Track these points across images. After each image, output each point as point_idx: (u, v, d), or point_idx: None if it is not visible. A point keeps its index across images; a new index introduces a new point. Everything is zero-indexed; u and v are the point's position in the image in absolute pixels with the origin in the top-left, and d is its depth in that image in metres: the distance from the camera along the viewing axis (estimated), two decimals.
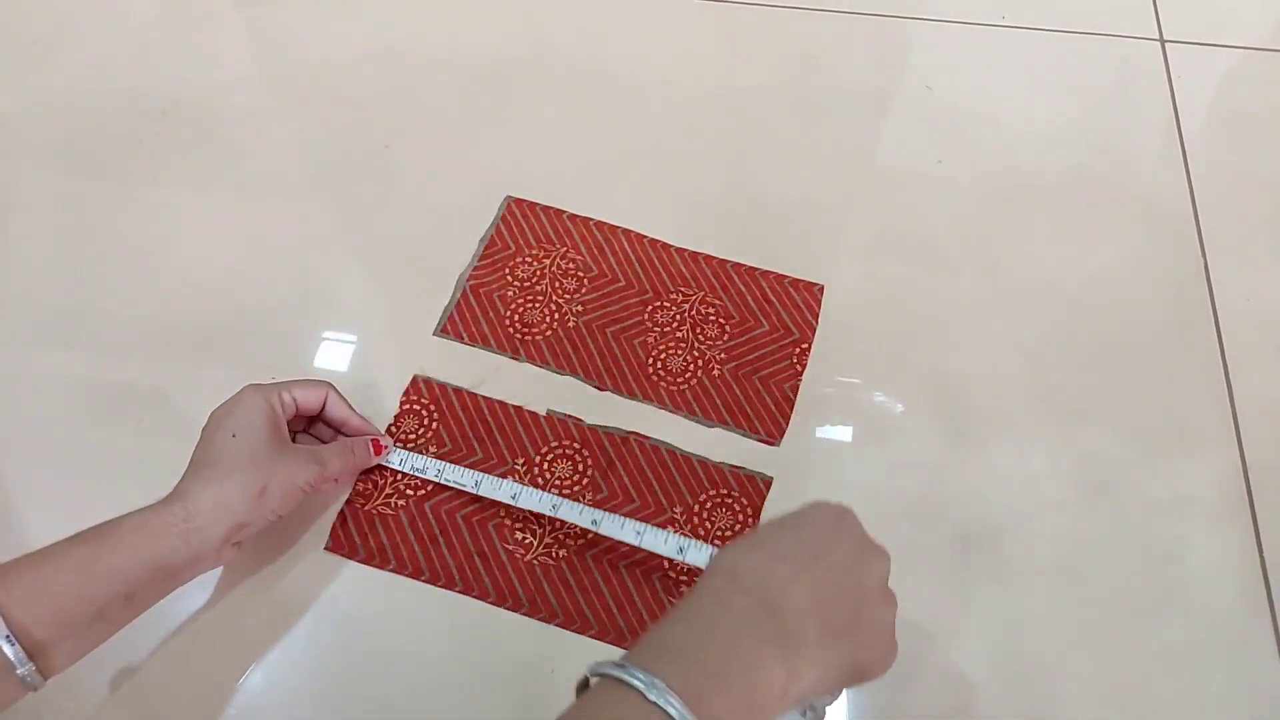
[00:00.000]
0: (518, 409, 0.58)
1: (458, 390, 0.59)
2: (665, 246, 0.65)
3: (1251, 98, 0.73)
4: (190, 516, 0.44)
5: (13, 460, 0.56)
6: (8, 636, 0.38)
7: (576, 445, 0.56)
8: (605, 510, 0.51)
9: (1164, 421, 0.57)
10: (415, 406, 0.58)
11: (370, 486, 0.55)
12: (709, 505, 0.54)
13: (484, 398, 0.58)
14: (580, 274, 0.63)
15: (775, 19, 0.79)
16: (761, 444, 0.56)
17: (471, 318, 0.62)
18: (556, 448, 0.56)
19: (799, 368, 0.59)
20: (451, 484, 0.53)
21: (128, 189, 0.69)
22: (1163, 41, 0.76)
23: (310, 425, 0.55)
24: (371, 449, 0.53)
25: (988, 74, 0.75)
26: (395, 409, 0.58)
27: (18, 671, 0.39)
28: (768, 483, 0.55)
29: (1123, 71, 0.75)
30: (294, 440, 0.51)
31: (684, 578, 0.51)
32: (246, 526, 0.46)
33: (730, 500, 0.54)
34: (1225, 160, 0.69)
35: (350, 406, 0.54)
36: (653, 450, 0.56)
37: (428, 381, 0.59)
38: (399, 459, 0.54)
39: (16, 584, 0.40)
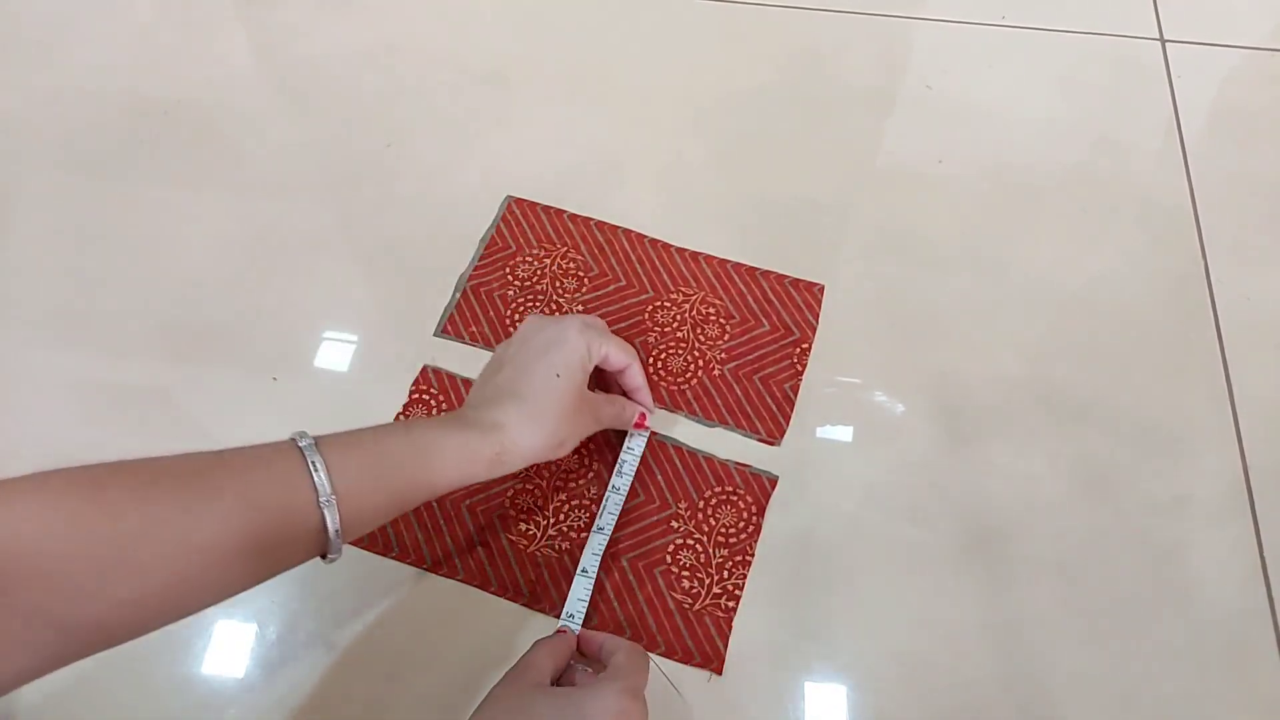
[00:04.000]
0: None
1: (466, 381, 0.59)
2: (665, 246, 0.65)
3: (1251, 98, 0.73)
4: (503, 451, 0.44)
5: (13, 460, 0.56)
6: (329, 501, 0.38)
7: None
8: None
9: (1164, 421, 0.57)
10: (424, 395, 0.58)
11: None
12: (714, 502, 0.54)
13: None
14: (581, 274, 0.63)
15: (776, 19, 0.79)
16: (762, 444, 0.56)
17: (472, 317, 0.62)
18: None
19: (799, 368, 0.59)
20: None
21: (128, 189, 0.69)
22: (1163, 41, 0.76)
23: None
24: (635, 419, 0.54)
25: (988, 74, 0.75)
26: (398, 408, 0.58)
27: (330, 536, 0.38)
28: (773, 481, 0.55)
29: (1123, 71, 0.75)
30: None
31: (685, 573, 0.52)
32: None
33: (735, 498, 0.54)
34: (1225, 160, 0.69)
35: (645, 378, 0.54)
36: (659, 445, 0.56)
37: (436, 371, 0.59)
38: None
39: (351, 458, 0.40)
